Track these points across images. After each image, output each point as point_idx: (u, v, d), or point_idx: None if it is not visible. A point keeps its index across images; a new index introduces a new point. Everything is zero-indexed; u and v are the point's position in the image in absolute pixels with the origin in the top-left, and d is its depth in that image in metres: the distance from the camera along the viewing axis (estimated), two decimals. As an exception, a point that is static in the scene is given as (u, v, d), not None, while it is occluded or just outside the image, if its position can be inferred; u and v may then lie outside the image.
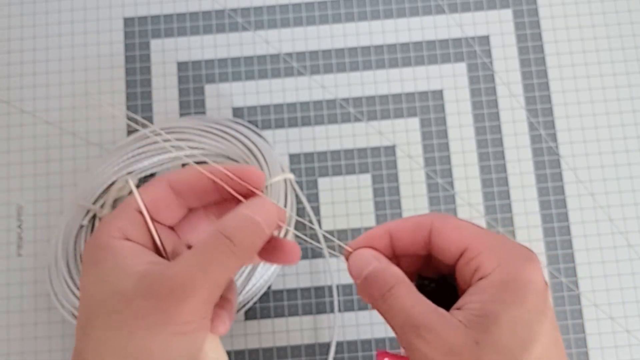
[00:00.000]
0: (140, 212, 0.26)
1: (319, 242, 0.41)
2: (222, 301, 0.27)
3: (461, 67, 0.44)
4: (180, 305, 0.23)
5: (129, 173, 0.40)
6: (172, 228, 0.29)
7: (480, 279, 0.24)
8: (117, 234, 0.26)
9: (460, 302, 0.24)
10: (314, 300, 0.41)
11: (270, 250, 0.28)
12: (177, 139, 0.40)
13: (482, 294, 0.24)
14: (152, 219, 0.27)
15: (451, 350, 0.22)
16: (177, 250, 0.28)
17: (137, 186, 0.29)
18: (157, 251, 0.27)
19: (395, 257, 0.28)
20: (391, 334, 0.40)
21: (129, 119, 0.43)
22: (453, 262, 0.26)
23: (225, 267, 0.24)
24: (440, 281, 0.28)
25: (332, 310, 0.40)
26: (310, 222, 0.41)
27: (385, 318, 0.25)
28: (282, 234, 0.38)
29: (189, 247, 0.29)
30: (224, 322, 0.27)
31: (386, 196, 0.42)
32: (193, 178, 0.27)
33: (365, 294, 0.26)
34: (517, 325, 0.23)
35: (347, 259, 0.27)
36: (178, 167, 0.42)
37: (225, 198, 0.28)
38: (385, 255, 0.27)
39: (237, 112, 0.43)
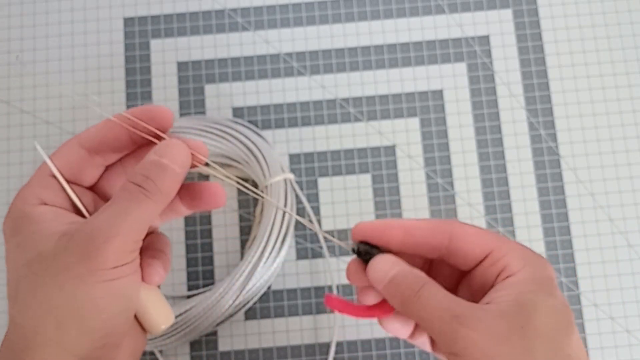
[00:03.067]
0: (55, 177, 0.26)
1: (318, 242, 0.41)
2: (154, 252, 0.28)
3: (461, 67, 0.44)
4: (102, 250, 0.24)
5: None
6: (91, 189, 0.29)
7: (507, 277, 0.25)
8: (34, 200, 0.26)
9: (487, 298, 0.25)
10: (314, 300, 0.41)
11: (192, 196, 0.29)
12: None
13: (513, 288, 0.25)
14: (69, 182, 0.27)
15: (499, 335, 0.23)
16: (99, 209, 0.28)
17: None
18: (80, 214, 0.27)
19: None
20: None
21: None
22: (473, 265, 0.27)
23: (141, 212, 0.25)
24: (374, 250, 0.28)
25: (332, 310, 0.40)
26: (310, 221, 0.41)
27: (419, 316, 0.25)
28: (275, 219, 0.38)
29: None
30: (158, 271, 0.27)
31: (386, 196, 0.42)
32: (103, 132, 0.27)
33: (393, 295, 0.26)
34: (556, 314, 0.24)
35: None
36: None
37: (140, 146, 0.28)
38: (394, 249, 0.27)
39: (237, 112, 0.43)
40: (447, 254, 0.27)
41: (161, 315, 0.27)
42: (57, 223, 0.25)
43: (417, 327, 0.29)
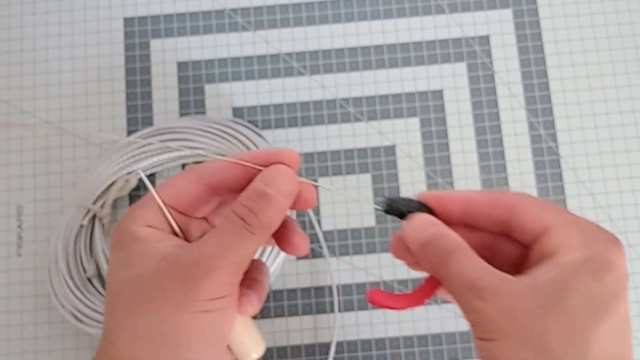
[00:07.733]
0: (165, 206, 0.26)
1: (318, 242, 0.41)
2: (251, 282, 0.27)
3: (461, 67, 0.44)
4: (203, 281, 0.23)
5: (129, 173, 0.40)
6: (204, 217, 0.28)
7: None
8: (141, 221, 0.26)
9: (529, 271, 0.24)
10: (314, 300, 0.41)
11: (279, 234, 0.28)
12: (177, 139, 0.40)
13: (559, 266, 0.23)
14: (182, 213, 0.27)
15: (514, 312, 0.22)
16: None
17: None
18: (185, 238, 0.27)
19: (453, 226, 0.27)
20: (392, 333, 0.40)
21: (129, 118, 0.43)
22: (531, 239, 0.25)
23: (243, 247, 0.24)
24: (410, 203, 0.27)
25: (332, 310, 0.40)
26: (311, 221, 0.41)
27: (445, 283, 0.24)
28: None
29: None
30: (252, 302, 0.27)
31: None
32: (225, 171, 0.27)
33: (424, 259, 0.25)
34: (591, 298, 0.22)
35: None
36: (178, 168, 0.42)
37: None
38: (454, 222, 0.26)
39: (237, 112, 0.43)
40: (508, 228, 0.26)
41: (253, 345, 0.27)
42: (162, 245, 0.25)
43: None
